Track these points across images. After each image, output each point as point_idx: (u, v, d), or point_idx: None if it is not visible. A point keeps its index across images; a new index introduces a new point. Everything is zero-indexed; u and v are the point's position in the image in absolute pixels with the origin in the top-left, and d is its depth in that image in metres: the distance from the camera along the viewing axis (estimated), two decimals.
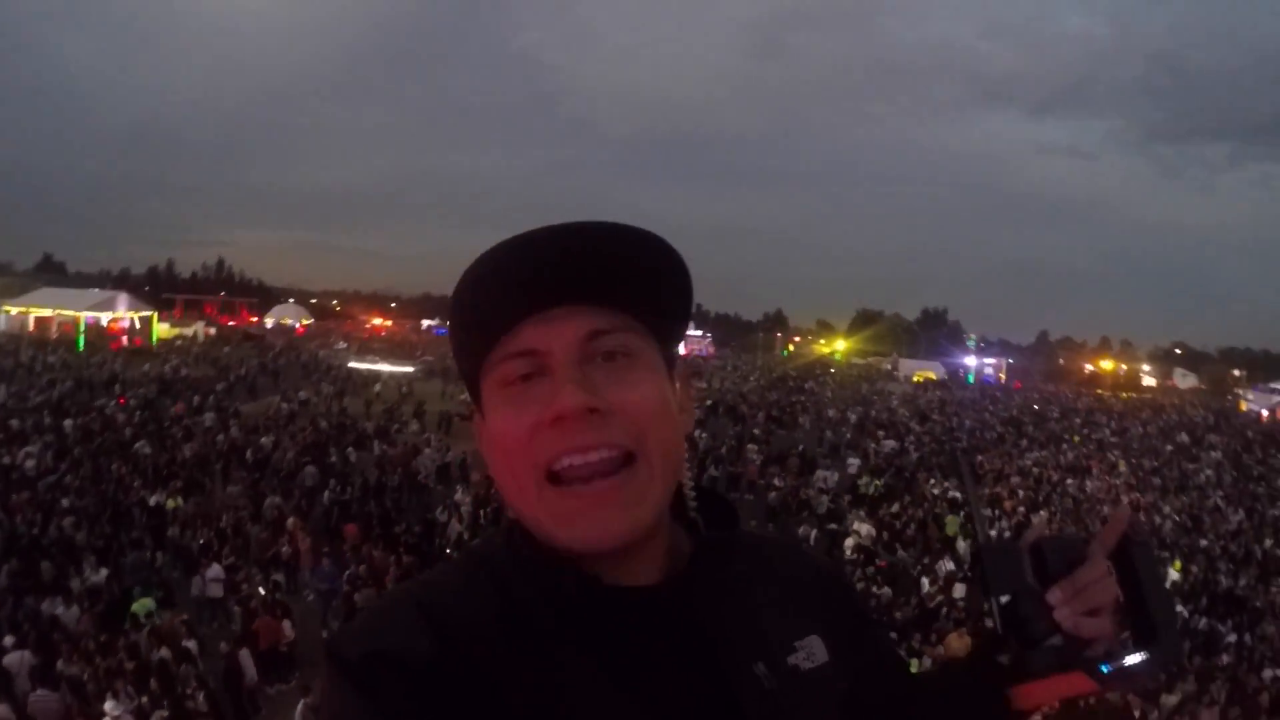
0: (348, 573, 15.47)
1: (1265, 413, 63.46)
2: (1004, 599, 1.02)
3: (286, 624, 13.24)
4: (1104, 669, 1.00)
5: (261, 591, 14.58)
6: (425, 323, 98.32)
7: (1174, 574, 21.57)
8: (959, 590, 17.10)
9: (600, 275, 0.94)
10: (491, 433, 0.97)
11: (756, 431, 33.77)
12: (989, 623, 1.05)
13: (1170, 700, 13.11)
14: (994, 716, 1.09)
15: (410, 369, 49.99)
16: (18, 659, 11.24)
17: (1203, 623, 18.14)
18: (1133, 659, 1.00)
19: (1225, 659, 16.15)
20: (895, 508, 24.53)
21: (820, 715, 1.04)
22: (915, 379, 74.23)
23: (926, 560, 19.95)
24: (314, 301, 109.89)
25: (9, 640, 11.78)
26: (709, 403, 43.42)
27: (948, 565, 18.98)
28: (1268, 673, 15.54)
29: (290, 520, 18.62)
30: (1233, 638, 17.67)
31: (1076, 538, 1.05)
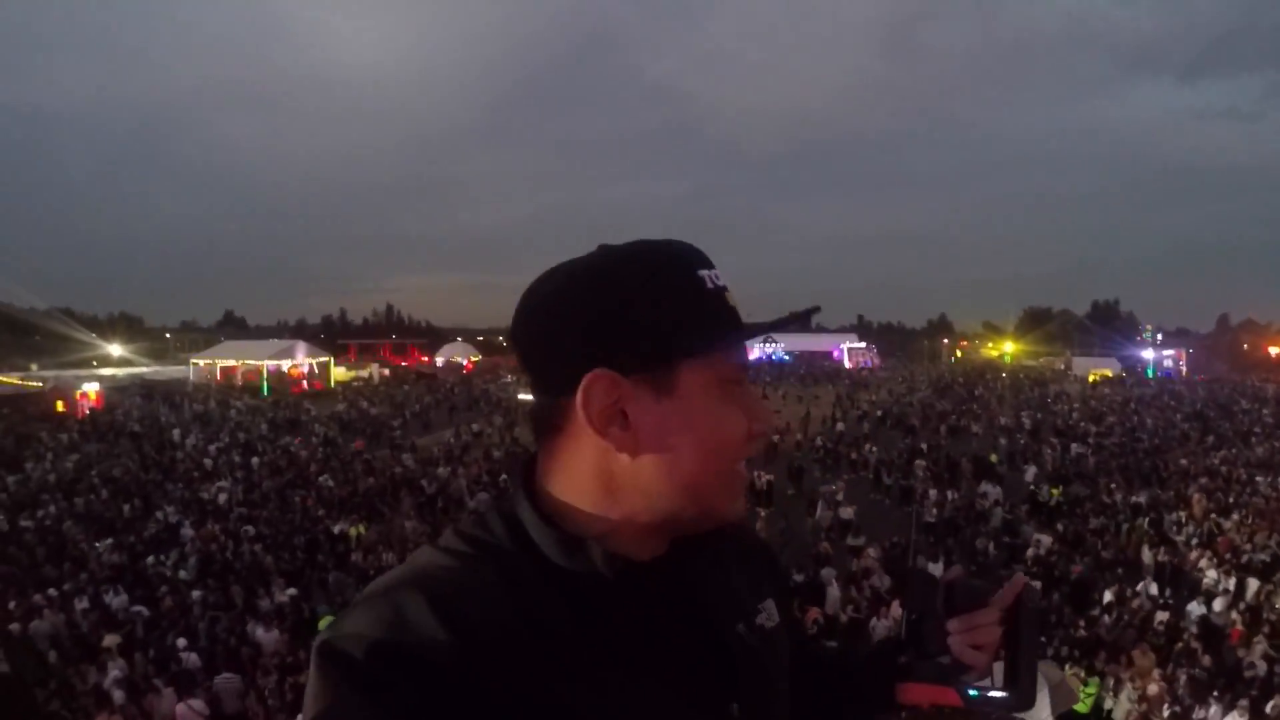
0: None
1: None
2: (914, 616, 1.26)
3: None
4: (971, 693, 1.22)
5: None
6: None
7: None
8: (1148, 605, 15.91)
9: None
10: (700, 415, 1.01)
11: (923, 446, 32.67)
12: (900, 631, 1.28)
13: None
14: (879, 699, 1.33)
15: None
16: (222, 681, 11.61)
17: None
18: (995, 694, 1.22)
19: None
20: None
21: (781, 666, 1.19)
22: (1090, 378, 71.07)
23: (1110, 574, 18.85)
24: (480, 339, 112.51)
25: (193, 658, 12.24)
26: (879, 414, 42.87)
27: (1143, 582, 17.68)
28: None
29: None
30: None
31: (984, 586, 1.25)
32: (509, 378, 65.42)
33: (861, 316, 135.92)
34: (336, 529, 19.94)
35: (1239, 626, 15.00)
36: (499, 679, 0.87)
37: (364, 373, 68.15)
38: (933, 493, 24.94)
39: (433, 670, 0.85)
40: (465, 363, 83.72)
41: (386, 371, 72.08)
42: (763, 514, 22.03)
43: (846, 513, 22.46)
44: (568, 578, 0.97)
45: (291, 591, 15.25)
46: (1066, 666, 11.72)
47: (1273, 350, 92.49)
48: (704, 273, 1.03)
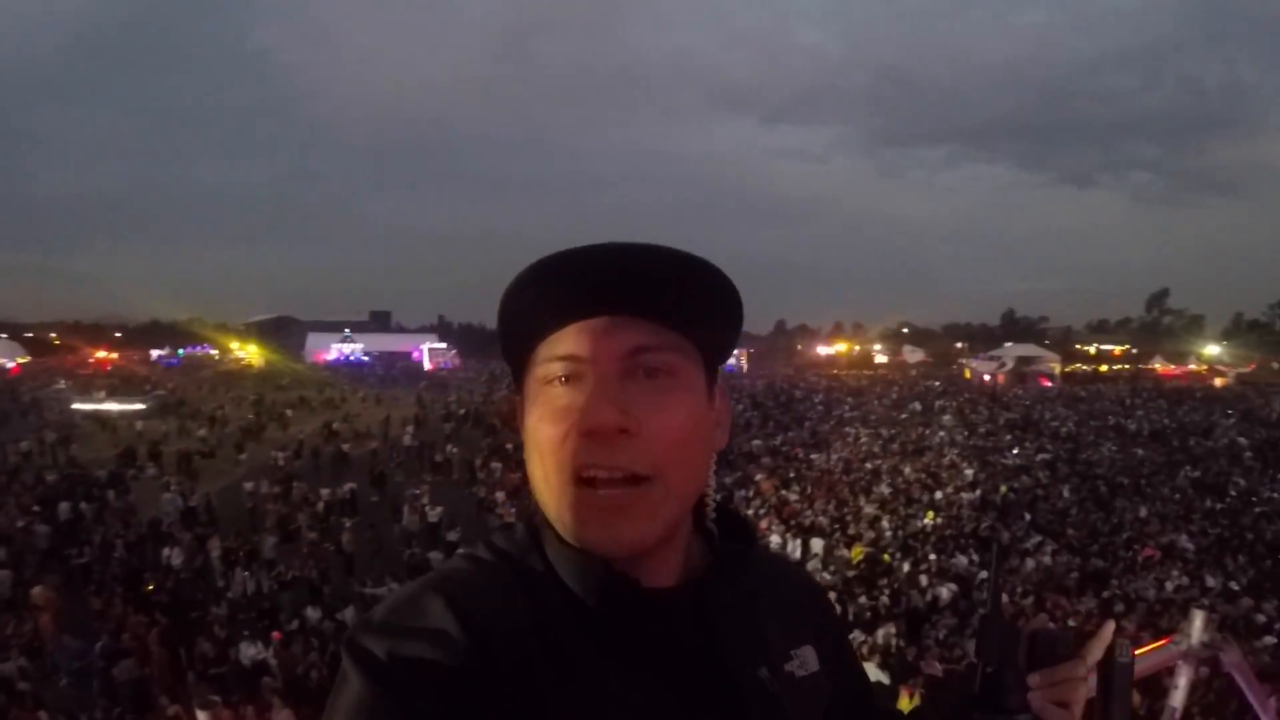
0: (100, 645, 14.09)
1: (987, 377, 70.05)
2: (990, 669, 1.10)
3: (42, 715, 11.97)
4: None
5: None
6: (155, 353, 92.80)
7: (927, 522, 23.95)
8: None
9: (650, 290, 0.96)
10: (530, 426, 0.99)
11: (507, 445, 33.68)
12: (975, 686, 1.11)
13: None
14: None
15: (141, 405, 47.03)
16: None
17: (962, 561, 20.10)
18: None
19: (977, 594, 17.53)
20: None
21: (811, 718, 1.12)
22: None
23: None
24: (29, 335, 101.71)
25: None
26: (462, 412, 43.22)
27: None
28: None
29: (34, 591, 16.85)
30: (983, 574, 18.81)
31: (1070, 637, 1.13)
32: (62, 383, 59.73)
33: (442, 317, 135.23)
34: None
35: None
36: (511, 686, 0.89)
37: None
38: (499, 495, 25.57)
39: (448, 672, 0.87)
40: (11, 365, 74.97)
41: None
42: (348, 524, 21.87)
43: (434, 515, 22.70)
44: (582, 592, 0.97)
45: None
46: None
47: (821, 350, 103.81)
48: (530, 275, 0.99)
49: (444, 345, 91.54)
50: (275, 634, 14.41)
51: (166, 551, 19.39)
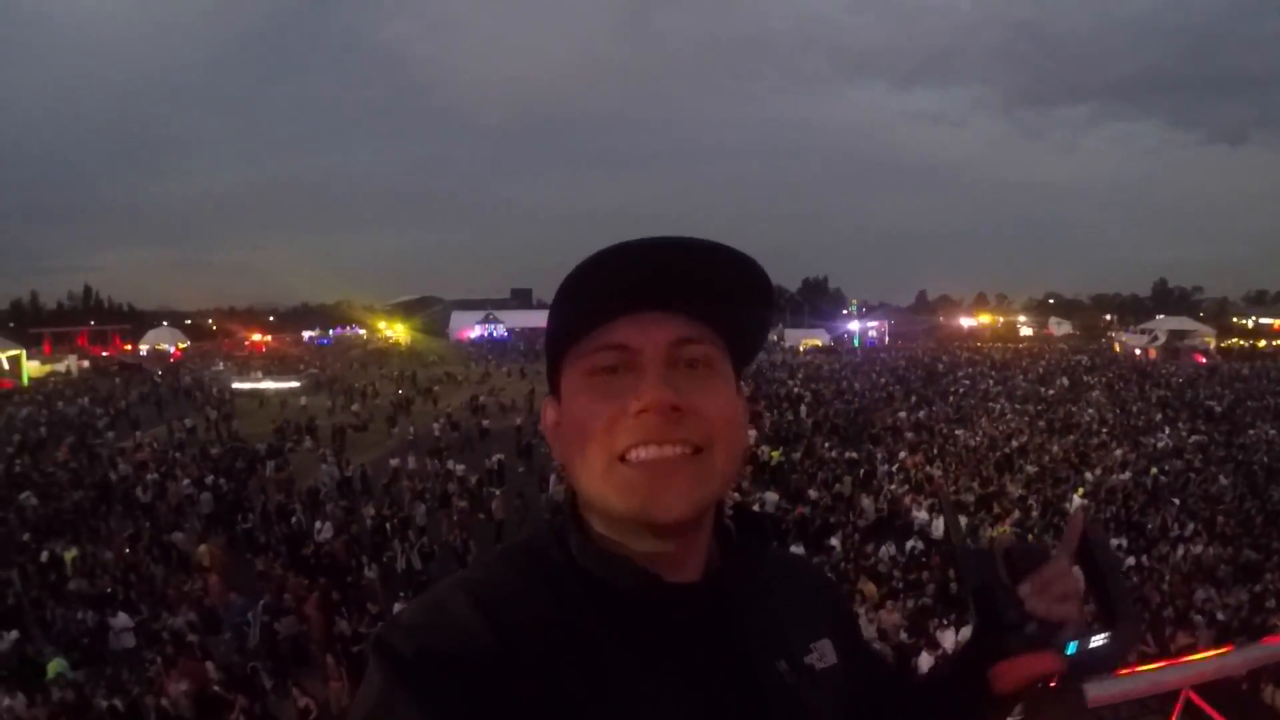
0: (262, 601, 14.89)
1: (1138, 351, 67.55)
2: (978, 588, 1.17)
3: (209, 665, 12.63)
4: (1070, 650, 1.11)
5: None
6: (306, 334, 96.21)
7: (1078, 500, 23.12)
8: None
9: (696, 287, 0.98)
10: (570, 414, 1.01)
11: None
12: (970, 614, 1.19)
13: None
14: (977, 701, 1.19)
15: (295, 384, 48.84)
16: None
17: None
18: (1097, 640, 1.13)
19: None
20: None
21: (831, 709, 1.13)
22: (801, 347, 75.48)
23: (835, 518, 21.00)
24: (189, 322, 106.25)
25: None
26: None
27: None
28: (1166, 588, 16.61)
29: (200, 550, 18.05)
30: (1131, 560, 18.47)
31: (1042, 546, 1.20)
32: (221, 365, 62.35)
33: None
34: (44, 555, 17.94)
35: None
36: (536, 681, 0.90)
37: (60, 366, 62.97)
38: None
39: (475, 669, 0.89)
40: (173, 349, 78.66)
41: (86, 363, 66.74)
42: (497, 493, 22.29)
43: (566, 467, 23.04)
44: (606, 592, 0.99)
45: (13, 635, 13.93)
46: None
47: (964, 322, 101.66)
48: (578, 272, 0.98)
49: None
50: None
51: (319, 523, 20.10)
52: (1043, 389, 45.51)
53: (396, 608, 14.23)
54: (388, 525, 20.14)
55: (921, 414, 37.06)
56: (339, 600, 15.02)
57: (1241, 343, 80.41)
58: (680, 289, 0.98)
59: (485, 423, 33.36)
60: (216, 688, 12.03)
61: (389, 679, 0.88)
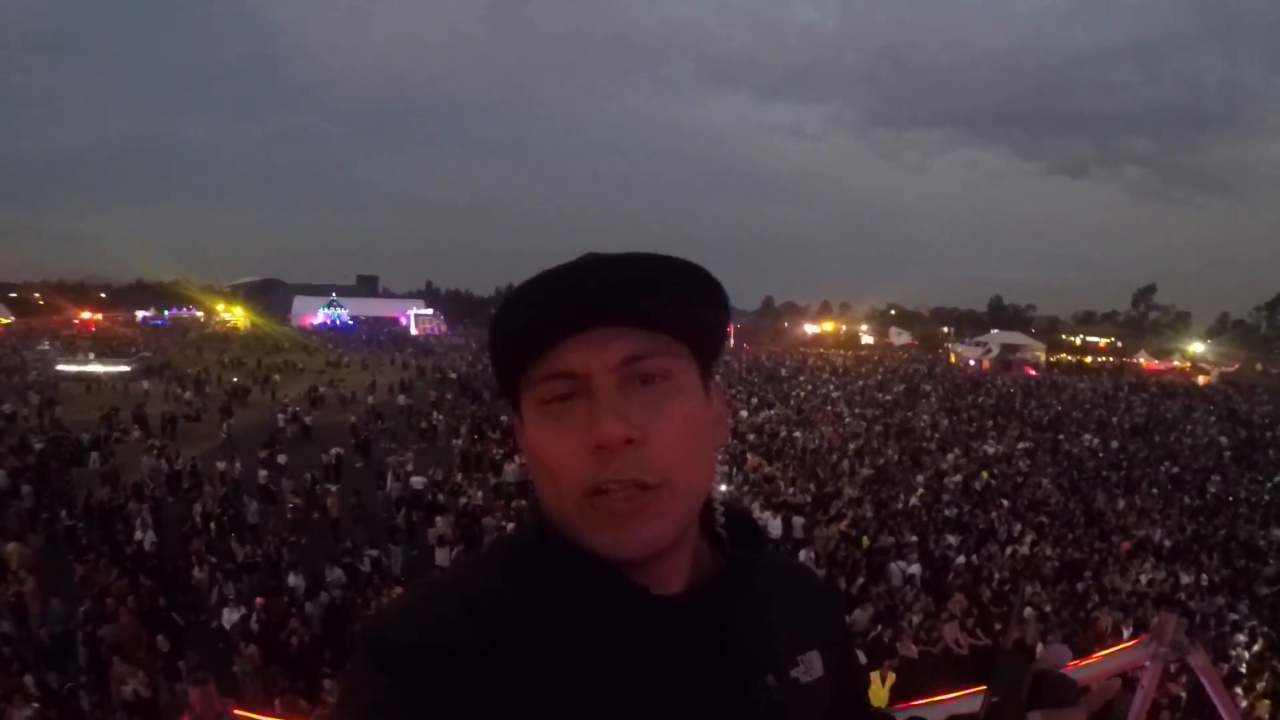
0: (83, 608, 14.12)
1: (972, 362, 70.94)
2: (996, 699, 1.12)
3: (27, 679, 11.77)
4: None
5: None
6: (140, 314, 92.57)
7: (915, 500, 24.33)
8: None
9: (635, 297, 0.96)
10: (531, 446, 1.00)
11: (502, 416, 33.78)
12: (981, 713, 1.13)
13: (914, 618, 14.53)
14: None
15: (126, 368, 46.95)
16: None
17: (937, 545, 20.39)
18: None
19: (955, 579, 17.65)
20: None
21: None
22: None
23: None
24: (13, 296, 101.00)
25: None
26: (453, 377, 43.49)
27: None
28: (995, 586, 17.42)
29: (9, 549, 16.88)
30: (961, 559, 19.35)
31: (1074, 683, 1.14)
32: (47, 344, 59.44)
33: (430, 283, 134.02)
34: None
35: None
36: (523, 683, 0.89)
37: None
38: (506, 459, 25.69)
39: (462, 668, 0.87)
40: None
41: None
42: (332, 489, 21.93)
43: (418, 483, 22.77)
44: (592, 599, 0.98)
45: None
46: None
47: (808, 328, 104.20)
48: (517, 293, 0.98)
49: (431, 311, 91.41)
50: (259, 599, 14.45)
51: (147, 518, 19.35)
52: (881, 395, 47.25)
53: (227, 612, 14.17)
54: (212, 524, 19.55)
55: (763, 416, 37.87)
56: (165, 604, 14.45)
57: (1069, 358, 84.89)
58: (622, 301, 0.96)
59: (308, 419, 32.46)
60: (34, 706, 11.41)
61: (378, 674, 0.88)
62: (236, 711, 2.66)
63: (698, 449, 1.01)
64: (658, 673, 0.98)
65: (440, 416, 33.32)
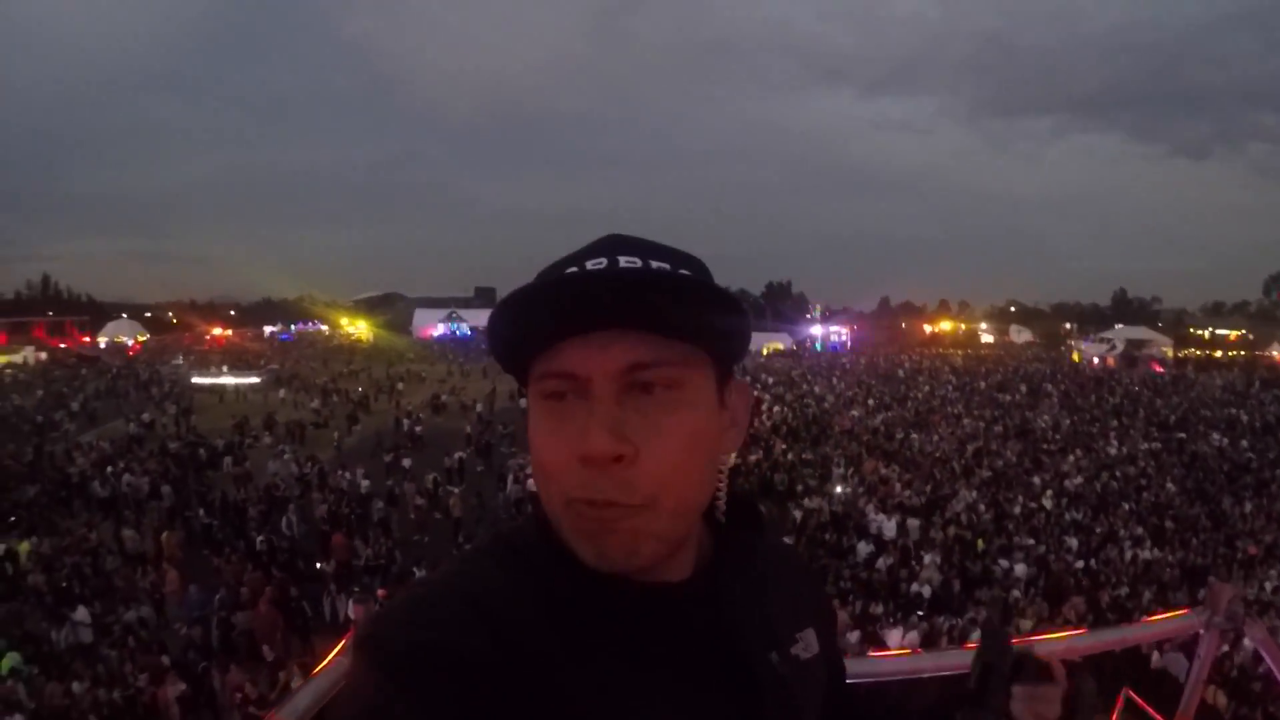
0: (218, 596, 15.01)
1: (1096, 359, 68.75)
2: (983, 666, 1.21)
3: (165, 659, 12.63)
4: None
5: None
6: (267, 329, 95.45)
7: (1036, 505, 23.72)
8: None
9: (644, 302, 0.91)
10: (531, 437, 0.98)
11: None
12: (970, 680, 1.23)
13: (1025, 623, 14.48)
14: None
15: (256, 379, 48.46)
16: None
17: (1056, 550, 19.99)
18: None
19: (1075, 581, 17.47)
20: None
21: (813, 700, 1.15)
22: (764, 350, 75.82)
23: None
24: (149, 315, 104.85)
25: None
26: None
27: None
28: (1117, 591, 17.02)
29: (164, 536, 18.21)
30: (1080, 563, 18.98)
31: (1050, 665, 1.23)
32: (180, 359, 61.73)
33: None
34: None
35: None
36: (528, 677, 0.88)
37: (17, 358, 62.31)
38: None
39: (466, 663, 0.86)
40: (132, 342, 77.94)
41: (43, 355, 66.08)
42: (455, 491, 22.39)
43: (532, 484, 23.06)
44: (595, 590, 0.96)
45: None
46: None
47: (926, 328, 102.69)
48: (525, 290, 0.94)
49: None
50: (381, 591, 14.84)
51: (292, 517, 20.27)
52: (1001, 395, 46.06)
53: (351, 605, 14.42)
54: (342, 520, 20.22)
55: (880, 418, 37.31)
56: (297, 595, 15.11)
57: (1198, 352, 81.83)
58: (632, 307, 0.91)
59: (418, 428, 32.94)
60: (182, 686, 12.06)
61: (380, 673, 0.86)
62: None
63: (696, 466, 0.97)
64: (663, 660, 0.97)
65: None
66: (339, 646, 2.87)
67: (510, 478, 24.04)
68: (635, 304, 0.91)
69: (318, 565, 17.21)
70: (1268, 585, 18.65)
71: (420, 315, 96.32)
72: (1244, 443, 34.92)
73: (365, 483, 23.74)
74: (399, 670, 0.85)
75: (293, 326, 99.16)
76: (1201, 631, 3.75)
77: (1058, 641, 3.58)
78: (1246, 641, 4.20)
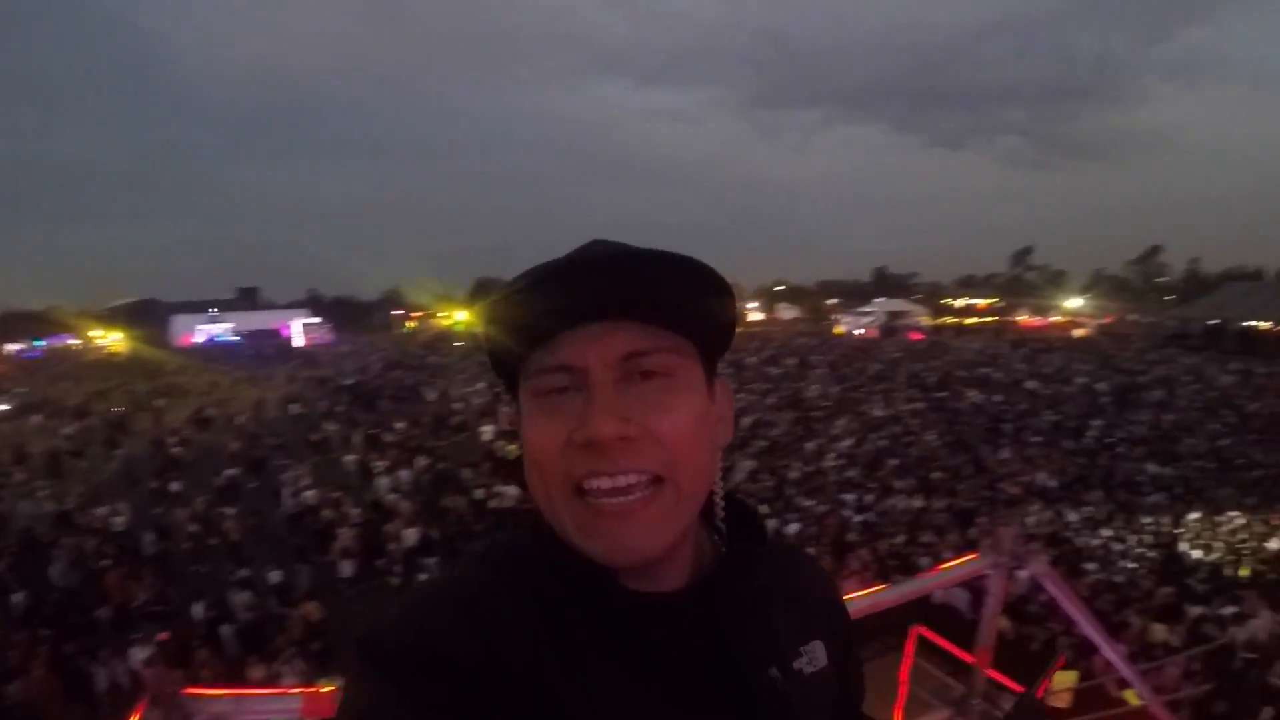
0: None
1: (859, 331, 72.61)
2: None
3: None
4: None
5: None
6: (10, 347, 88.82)
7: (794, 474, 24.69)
8: None
9: (639, 292, 0.95)
10: (526, 439, 0.99)
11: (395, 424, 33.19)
12: None
13: None
14: None
15: (4, 406, 44.94)
16: None
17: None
18: None
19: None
20: None
21: (818, 715, 1.13)
22: None
23: None
24: None
25: None
26: (348, 383, 42.88)
27: None
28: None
29: None
30: (858, 518, 20.30)
31: None
32: None
33: (314, 290, 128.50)
34: None
35: None
36: (523, 687, 0.89)
37: None
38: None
39: (461, 671, 0.87)
40: None
41: None
42: (229, 512, 21.50)
43: (310, 496, 22.41)
44: (591, 599, 0.97)
45: None
46: None
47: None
48: (519, 284, 0.96)
49: (318, 320, 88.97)
50: (161, 635, 14.12)
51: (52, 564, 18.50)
52: (771, 369, 47.70)
53: (137, 662, 13.60)
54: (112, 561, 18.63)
55: None
56: (74, 652, 13.94)
57: (953, 320, 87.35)
58: (625, 295, 0.95)
59: (183, 448, 31.15)
60: None
61: (376, 679, 0.88)
62: (189, 691, 2.73)
63: (700, 447, 1.00)
64: (660, 672, 0.98)
65: (334, 427, 32.67)
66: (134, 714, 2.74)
67: (286, 492, 23.19)
68: (629, 294, 0.95)
69: (93, 615, 16.08)
70: (1031, 520, 20.44)
71: (179, 321, 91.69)
72: (997, 397, 37.74)
73: (128, 516, 22.33)
74: (393, 676, 0.87)
75: (39, 342, 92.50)
76: (990, 571, 4.06)
77: (863, 599, 3.80)
78: (1022, 573, 4.56)
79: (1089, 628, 4.71)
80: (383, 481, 23.52)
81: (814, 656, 1.15)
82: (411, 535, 18.67)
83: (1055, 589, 4.40)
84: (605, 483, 0.94)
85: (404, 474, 24.12)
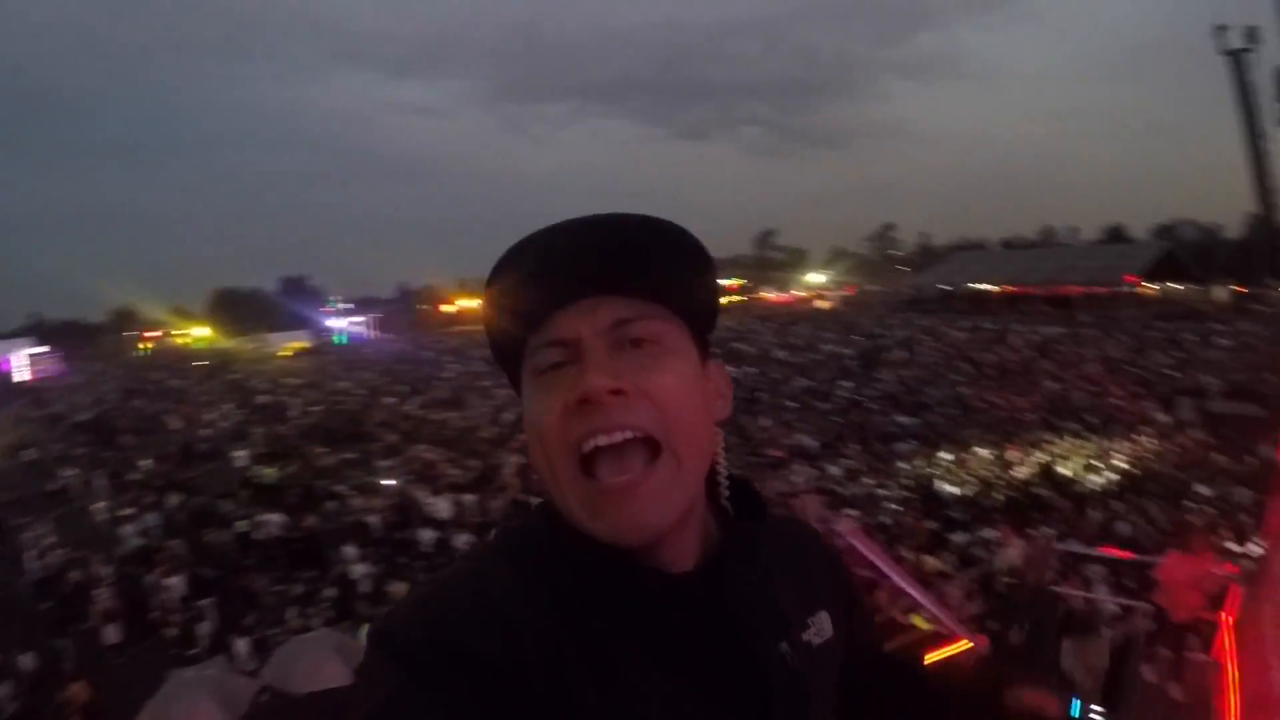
0: None
1: None
2: (1030, 630, 1.26)
3: None
4: (1074, 710, 1.26)
5: None
6: None
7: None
8: None
9: (626, 265, 0.98)
10: (527, 419, 1.00)
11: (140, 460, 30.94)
12: (1021, 639, 1.31)
13: None
14: (982, 702, 1.22)
15: None
16: None
17: None
18: (1097, 713, 1.28)
19: None
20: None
21: (827, 685, 1.15)
22: (283, 351, 73.95)
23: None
24: None
25: None
26: (84, 419, 40.08)
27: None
28: None
29: None
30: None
31: (1096, 623, 1.32)
32: None
33: (36, 315, 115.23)
34: None
35: None
36: (539, 674, 0.88)
37: None
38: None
39: (477, 665, 0.86)
40: None
41: None
42: None
43: (58, 556, 20.33)
44: (603, 585, 0.97)
45: None
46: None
47: (445, 309, 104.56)
48: (508, 269, 1.02)
49: (44, 349, 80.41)
50: None
51: None
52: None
53: None
54: None
55: (416, 403, 37.50)
56: None
57: None
58: (611, 269, 0.98)
59: None
60: None
61: (393, 670, 0.86)
62: None
63: (694, 410, 1.01)
64: (674, 654, 0.98)
65: (72, 472, 29.58)
66: None
67: (29, 555, 20.80)
68: (613, 271, 0.98)
69: None
70: (797, 479, 21.26)
71: None
72: (751, 369, 39.34)
73: None
74: (410, 668, 0.86)
75: None
76: None
77: None
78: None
79: (893, 572, 4.89)
80: (129, 528, 21.63)
81: (821, 627, 1.18)
82: (176, 582, 16.96)
83: (866, 547, 4.56)
84: (603, 440, 0.94)
85: (151, 517, 22.22)
